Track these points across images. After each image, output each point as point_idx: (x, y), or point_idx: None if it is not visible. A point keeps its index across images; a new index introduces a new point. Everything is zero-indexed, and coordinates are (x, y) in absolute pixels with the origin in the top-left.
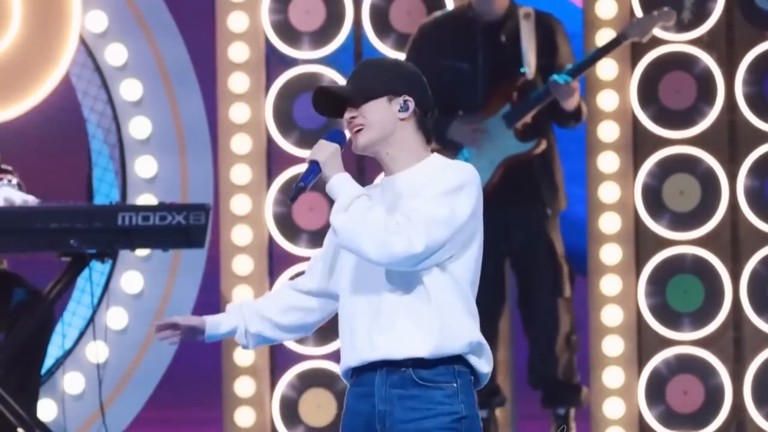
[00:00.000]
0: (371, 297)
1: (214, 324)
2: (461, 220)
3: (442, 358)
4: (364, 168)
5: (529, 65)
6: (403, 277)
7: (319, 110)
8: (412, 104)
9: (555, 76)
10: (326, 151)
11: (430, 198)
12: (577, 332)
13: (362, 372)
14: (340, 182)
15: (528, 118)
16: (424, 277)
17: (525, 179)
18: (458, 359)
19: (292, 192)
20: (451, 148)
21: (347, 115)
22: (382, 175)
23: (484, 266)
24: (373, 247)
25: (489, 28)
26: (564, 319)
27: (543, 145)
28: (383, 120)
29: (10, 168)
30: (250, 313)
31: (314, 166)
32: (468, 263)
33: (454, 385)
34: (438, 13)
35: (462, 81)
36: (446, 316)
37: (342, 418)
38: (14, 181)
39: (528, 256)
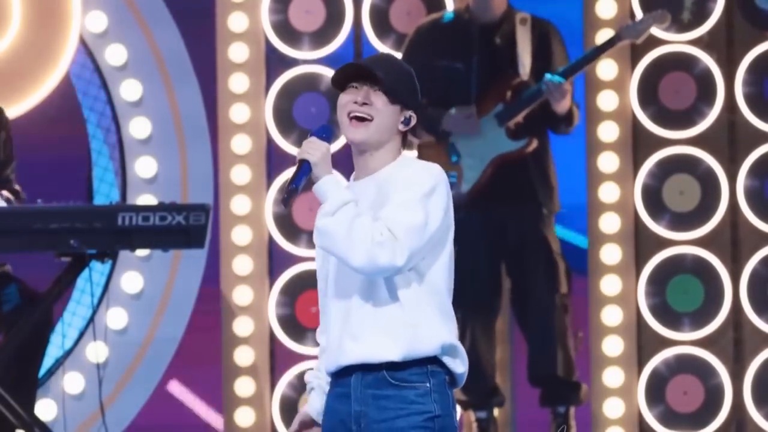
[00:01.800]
0: (343, 303)
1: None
2: (436, 224)
3: (414, 359)
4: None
5: (524, 67)
6: (373, 281)
7: (337, 80)
8: (413, 121)
9: (548, 76)
10: (318, 152)
11: (406, 204)
12: (582, 330)
13: (340, 374)
14: (329, 184)
15: (520, 118)
16: (395, 281)
17: (520, 178)
18: (432, 360)
19: (285, 195)
20: (444, 141)
21: (360, 98)
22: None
23: (479, 265)
24: (359, 256)
25: (485, 30)
26: (561, 316)
27: (534, 144)
28: (389, 126)
29: (17, 188)
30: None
31: (305, 166)
32: (441, 264)
33: (427, 384)
34: (434, 15)
35: (456, 81)
36: (417, 319)
37: (322, 418)
38: (5, 194)
39: (522, 254)
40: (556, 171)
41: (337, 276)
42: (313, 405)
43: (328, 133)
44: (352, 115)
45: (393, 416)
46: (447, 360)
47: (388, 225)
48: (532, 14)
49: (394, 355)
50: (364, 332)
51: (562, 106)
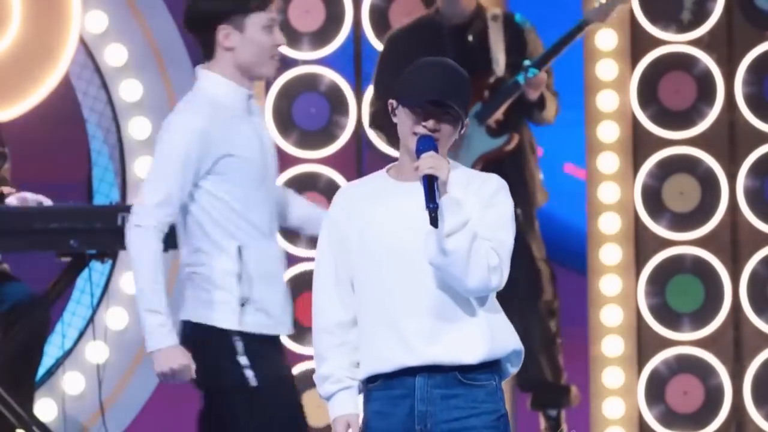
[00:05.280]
0: (419, 305)
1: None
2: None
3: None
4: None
5: (498, 64)
6: (447, 284)
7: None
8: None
9: (528, 67)
10: (445, 168)
11: (505, 224)
12: (561, 335)
13: (395, 376)
14: (452, 202)
15: (499, 114)
16: None
17: None
18: (497, 360)
19: (432, 216)
20: None
21: (430, 125)
22: (379, 174)
23: None
24: (475, 280)
25: (456, 30)
26: (544, 323)
27: (515, 140)
28: (451, 141)
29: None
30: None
31: (435, 183)
32: None
33: (494, 383)
34: (405, 22)
35: None
36: (495, 324)
37: (366, 425)
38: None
39: None
40: (538, 165)
41: (406, 283)
42: (352, 403)
43: (433, 144)
44: (420, 135)
45: (465, 415)
46: (507, 365)
47: (495, 247)
48: (504, 10)
49: (472, 358)
50: (440, 334)
51: (535, 94)
